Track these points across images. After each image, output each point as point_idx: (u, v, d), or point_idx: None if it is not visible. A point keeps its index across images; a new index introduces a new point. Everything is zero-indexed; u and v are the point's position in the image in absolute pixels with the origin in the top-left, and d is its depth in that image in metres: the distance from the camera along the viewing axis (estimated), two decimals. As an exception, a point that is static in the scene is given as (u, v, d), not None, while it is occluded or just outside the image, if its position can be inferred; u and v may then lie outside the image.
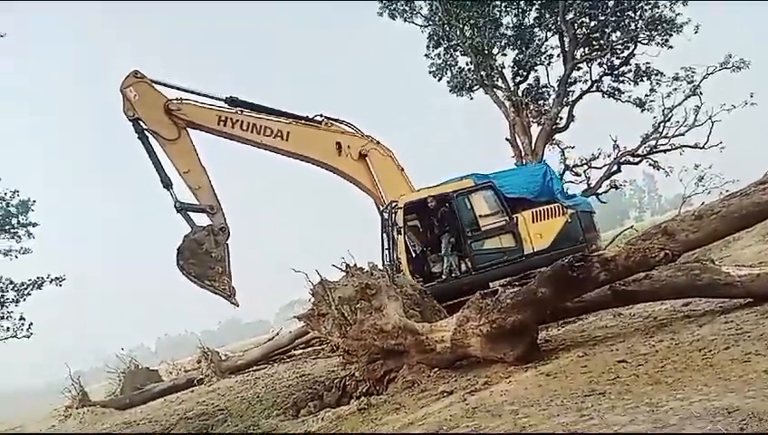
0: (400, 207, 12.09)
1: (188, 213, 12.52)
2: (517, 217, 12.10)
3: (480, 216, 12.10)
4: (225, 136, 13.07)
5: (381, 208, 13.16)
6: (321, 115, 13.59)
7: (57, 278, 27.06)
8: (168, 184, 12.51)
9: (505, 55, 25.62)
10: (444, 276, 11.91)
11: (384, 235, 12.97)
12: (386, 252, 12.79)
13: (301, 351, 17.90)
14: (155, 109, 12.56)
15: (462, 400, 5.47)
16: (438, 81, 26.12)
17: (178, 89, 12.98)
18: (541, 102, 25.99)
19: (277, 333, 20.28)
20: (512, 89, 25.47)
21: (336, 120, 13.65)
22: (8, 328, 26.39)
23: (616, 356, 5.51)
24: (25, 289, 26.49)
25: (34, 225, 27.28)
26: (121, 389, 18.68)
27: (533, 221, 12.14)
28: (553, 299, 6.34)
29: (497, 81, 25.48)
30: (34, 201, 27.29)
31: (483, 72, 24.80)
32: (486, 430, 4.31)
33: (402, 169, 13.57)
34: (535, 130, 25.46)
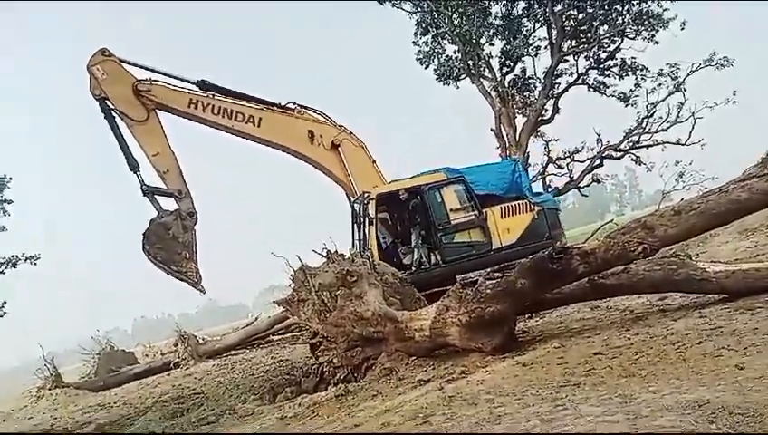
0: (373, 199, 12.05)
1: (155, 197, 12.19)
2: (486, 212, 12.19)
3: (451, 209, 12.10)
4: (196, 119, 12.77)
5: (353, 199, 13.14)
6: (294, 103, 13.42)
7: (32, 257, 26.63)
8: (134, 167, 12.14)
9: (493, 45, 25.64)
10: (414, 268, 11.95)
11: (355, 225, 12.96)
12: (356, 242, 12.77)
13: (279, 336, 17.89)
14: (123, 89, 12.20)
15: (439, 388, 5.49)
16: (425, 68, 26.03)
17: (148, 69, 12.62)
18: (527, 94, 26.06)
19: (256, 318, 20.26)
20: (498, 79, 25.47)
21: (308, 108, 13.51)
22: None
23: (592, 348, 5.57)
24: (-2, 267, 26.03)
25: (10, 202, 26.83)
26: (96, 371, 18.53)
27: (502, 217, 12.26)
28: (532, 291, 6.37)
29: (484, 70, 25.46)
30: (11, 178, 26.83)
31: (470, 61, 24.75)
32: (462, 418, 4.33)
33: (374, 161, 13.53)
34: (520, 121, 25.56)
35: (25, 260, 26.48)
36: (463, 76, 25.79)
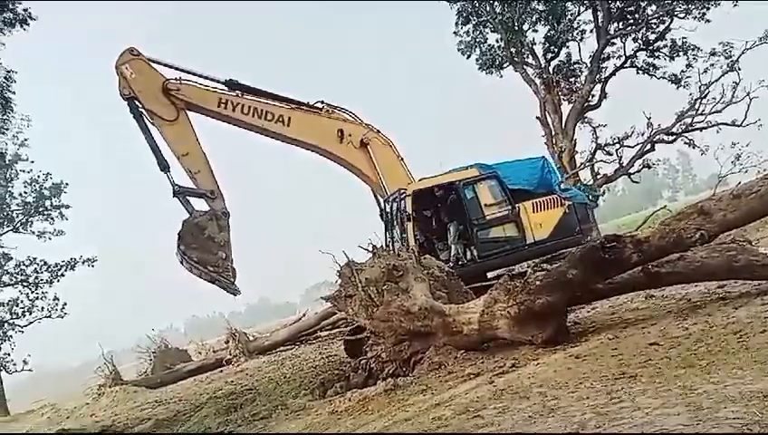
0: (409, 195, 12.07)
1: (187, 197, 12.13)
2: (519, 207, 12.18)
3: (485, 205, 12.08)
4: (225, 119, 12.78)
5: (384, 197, 13.18)
6: (322, 102, 13.43)
7: (89, 260, 27.68)
8: (165, 167, 12.07)
9: (536, 31, 25.22)
10: (451, 264, 11.89)
11: (387, 223, 12.97)
12: (389, 240, 12.76)
13: (327, 332, 18.02)
14: (152, 88, 12.15)
15: (489, 382, 5.41)
16: (467, 58, 25.80)
17: (176, 69, 12.61)
18: (572, 80, 25.50)
19: (304, 315, 20.44)
20: (542, 66, 25.04)
21: (336, 108, 13.52)
22: (43, 308, 27.14)
23: (647, 339, 5.38)
24: (59, 270, 27.16)
25: (67, 207, 27.86)
26: (152, 368, 19.10)
27: (534, 211, 12.25)
28: (583, 281, 6.22)
29: (527, 58, 25.06)
30: (67, 184, 27.87)
31: (513, 49, 24.41)
32: (514, 411, 4.24)
33: (402, 159, 13.51)
34: (566, 108, 25.03)
35: (83, 263, 27.59)
36: (506, 64, 25.42)
